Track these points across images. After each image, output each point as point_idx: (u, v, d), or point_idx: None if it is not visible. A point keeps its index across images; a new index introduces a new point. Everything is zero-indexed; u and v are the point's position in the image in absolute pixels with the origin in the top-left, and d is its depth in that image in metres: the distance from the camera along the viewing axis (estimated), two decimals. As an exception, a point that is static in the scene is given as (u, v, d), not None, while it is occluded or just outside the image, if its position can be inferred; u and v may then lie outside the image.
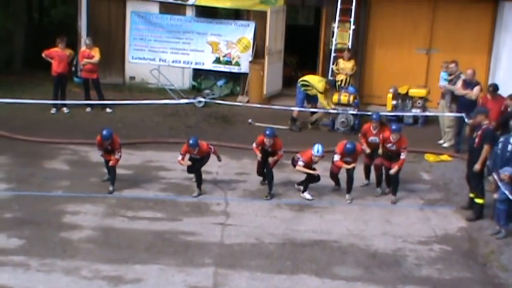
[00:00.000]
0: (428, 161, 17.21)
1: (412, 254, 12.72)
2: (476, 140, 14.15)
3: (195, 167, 14.73)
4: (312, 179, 14.83)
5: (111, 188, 14.71)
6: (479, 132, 14.14)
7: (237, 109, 19.90)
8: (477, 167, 14.01)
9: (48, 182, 15.30)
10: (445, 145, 18.20)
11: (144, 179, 15.68)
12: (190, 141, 14.38)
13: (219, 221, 13.61)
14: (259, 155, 14.93)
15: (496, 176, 13.74)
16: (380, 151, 15.00)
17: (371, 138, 15.02)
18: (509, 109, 15.95)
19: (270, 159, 14.83)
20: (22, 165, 16.11)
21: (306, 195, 14.83)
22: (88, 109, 19.95)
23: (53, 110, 19.68)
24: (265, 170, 15.01)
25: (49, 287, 11.25)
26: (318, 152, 14.48)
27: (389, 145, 14.67)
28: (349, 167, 14.64)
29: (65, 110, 19.78)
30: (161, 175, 15.95)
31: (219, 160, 15.34)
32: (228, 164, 16.59)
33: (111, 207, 14.09)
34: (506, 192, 13.15)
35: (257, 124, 19.19)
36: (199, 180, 14.78)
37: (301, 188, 14.98)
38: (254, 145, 15.03)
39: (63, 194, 14.78)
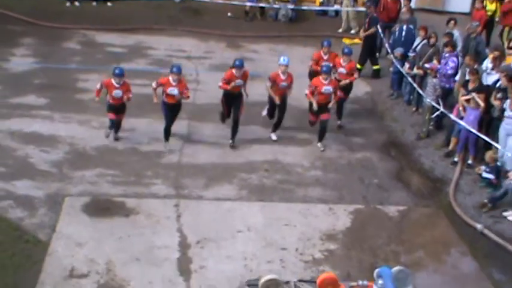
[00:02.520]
0: (345, 43, 17.31)
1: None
2: (366, 26, 15.09)
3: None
4: (273, 107, 12.16)
5: (108, 132, 11.50)
6: (367, 20, 14.99)
7: (206, 4, 19.41)
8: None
9: (66, 57, 15.26)
10: (352, 32, 18.05)
11: (136, 55, 15.67)
12: (174, 69, 11.28)
13: (191, 87, 13.47)
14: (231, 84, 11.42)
15: (391, 54, 14.14)
16: (334, 76, 12.22)
17: (324, 64, 12.03)
18: (403, 9, 15.36)
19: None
20: (45, 45, 15.94)
21: (273, 136, 12.11)
22: (94, 3, 19.40)
23: (68, 4, 19.22)
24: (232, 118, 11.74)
25: (68, 133, 11.57)
26: (284, 60, 11.65)
27: (340, 69, 12.39)
28: (332, 103, 11.72)
29: (76, 3, 19.28)
30: (149, 53, 15.92)
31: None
32: (198, 45, 16.60)
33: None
34: (398, 66, 13.55)
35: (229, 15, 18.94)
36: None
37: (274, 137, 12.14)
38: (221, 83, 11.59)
39: (76, 66, 14.80)
